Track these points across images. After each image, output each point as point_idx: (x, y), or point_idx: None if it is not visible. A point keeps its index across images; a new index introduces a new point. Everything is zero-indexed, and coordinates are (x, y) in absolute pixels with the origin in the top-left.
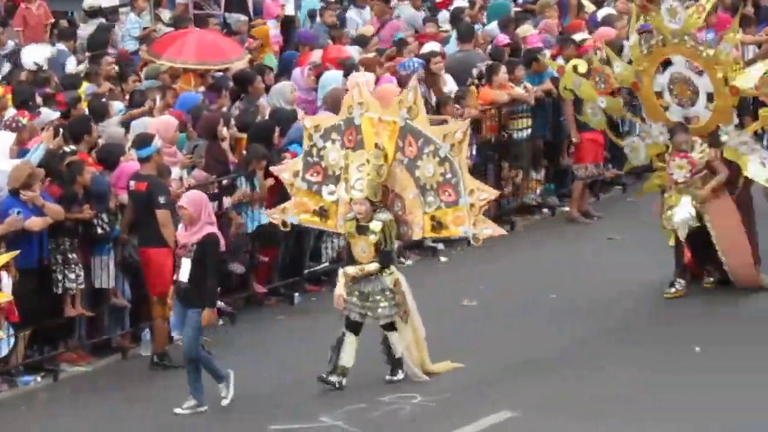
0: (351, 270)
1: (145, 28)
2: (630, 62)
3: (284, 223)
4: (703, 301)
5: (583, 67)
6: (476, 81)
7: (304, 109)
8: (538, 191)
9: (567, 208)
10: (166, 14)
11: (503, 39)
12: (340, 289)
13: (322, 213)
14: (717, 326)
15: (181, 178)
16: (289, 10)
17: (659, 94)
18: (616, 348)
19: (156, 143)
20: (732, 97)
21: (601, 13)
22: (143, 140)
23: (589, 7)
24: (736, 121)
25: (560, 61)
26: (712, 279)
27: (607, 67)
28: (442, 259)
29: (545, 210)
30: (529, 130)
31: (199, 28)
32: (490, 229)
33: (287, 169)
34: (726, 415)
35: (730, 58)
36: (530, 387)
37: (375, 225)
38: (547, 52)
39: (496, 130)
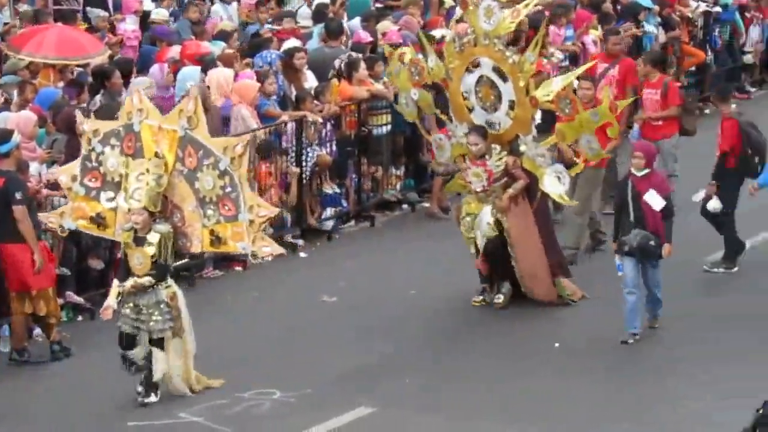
0: (126, 284)
1: (5, 24)
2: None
3: (62, 228)
4: None
5: (409, 55)
6: (337, 76)
7: (161, 106)
8: (398, 187)
9: (427, 204)
10: (25, 9)
11: (364, 35)
12: (110, 300)
13: (100, 220)
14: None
15: (39, 174)
16: (148, 5)
17: (466, 95)
18: (480, 339)
19: (15, 138)
20: (532, 107)
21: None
22: (2, 136)
23: (449, 3)
24: (534, 132)
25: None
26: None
27: (423, 60)
28: (302, 254)
29: (405, 206)
30: (389, 126)
31: (62, 23)
32: (269, 248)
33: (65, 172)
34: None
35: (533, 67)
36: (388, 383)
37: (152, 237)
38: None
39: (356, 125)
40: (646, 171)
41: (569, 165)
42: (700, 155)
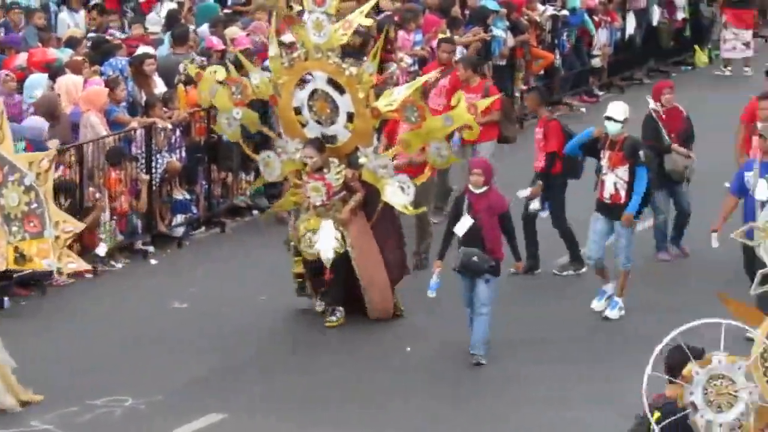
0: None
1: None
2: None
3: None
4: None
5: (221, 74)
6: (184, 83)
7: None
8: (247, 193)
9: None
10: None
11: (216, 41)
12: None
13: None
14: None
15: None
16: None
17: (298, 110)
18: (332, 346)
19: None
20: (373, 119)
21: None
22: None
23: (297, 8)
24: (376, 143)
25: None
26: (334, 318)
27: (245, 78)
28: (152, 261)
29: (255, 212)
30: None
31: None
32: (75, 264)
33: None
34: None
35: (372, 78)
36: (239, 389)
37: None
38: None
39: (205, 132)
40: (485, 189)
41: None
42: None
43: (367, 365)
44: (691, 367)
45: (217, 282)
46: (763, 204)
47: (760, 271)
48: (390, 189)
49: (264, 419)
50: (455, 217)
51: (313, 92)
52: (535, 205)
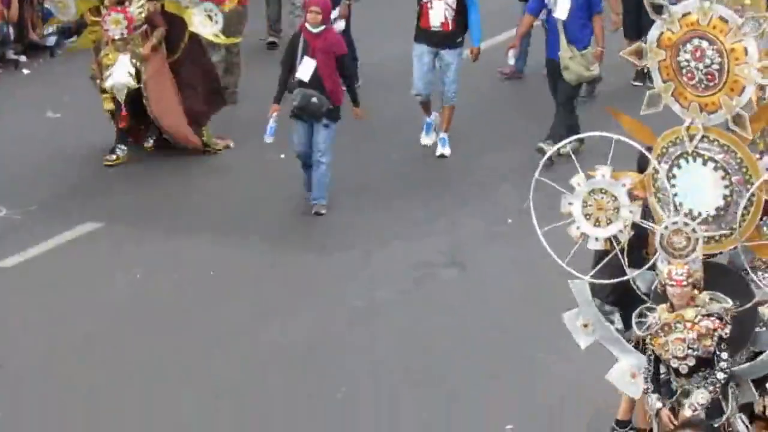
0: None
1: None
2: None
3: None
4: None
5: None
6: None
7: None
8: None
9: None
10: None
11: None
12: None
13: None
14: None
15: None
16: None
17: None
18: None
19: None
20: None
21: None
22: None
23: None
24: None
25: None
26: (151, 141)
27: None
28: (25, 71)
29: None
30: None
31: None
32: None
33: None
34: None
35: None
36: (113, 199)
37: None
38: None
39: None
40: (322, 28)
41: None
42: None
43: (231, 187)
44: (575, 179)
45: (90, 91)
46: (564, 23)
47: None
48: (197, 18)
49: (136, 229)
50: (290, 57)
51: None
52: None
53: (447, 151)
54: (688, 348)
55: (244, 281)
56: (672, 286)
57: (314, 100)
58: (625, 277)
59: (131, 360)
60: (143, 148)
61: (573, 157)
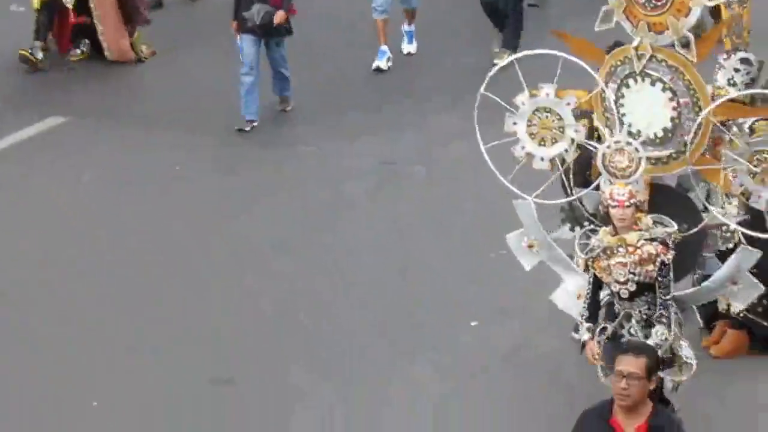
0: None
1: None
2: None
3: None
4: None
5: None
6: None
7: None
8: None
9: None
10: None
11: None
12: None
13: None
14: None
15: None
16: None
17: None
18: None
19: None
20: None
21: None
22: None
23: None
24: None
25: None
26: (79, 51)
27: None
28: None
29: None
30: None
31: None
32: None
33: None
34: None
35: None
36: (80, 94)
37: None
38: None
39: None
40: None
41: None
42: None
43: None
44: (520, 97)
45: None
46: None
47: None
48: None
49: (104, 125)
50: None
51: None
52: None
53: (413, 47)
54: (630, 273)
55: (210, 176)
56: (614, 207)
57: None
58: (571, 198)
59: (96, 253)
60: (66, 58)
61: (520, 75)
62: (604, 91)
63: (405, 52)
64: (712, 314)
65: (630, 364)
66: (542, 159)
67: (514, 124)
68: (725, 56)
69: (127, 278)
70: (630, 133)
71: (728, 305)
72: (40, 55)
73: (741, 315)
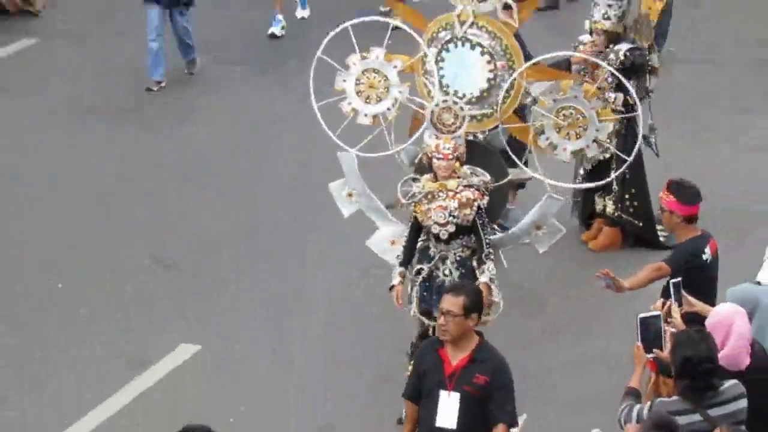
0: None
1: None
2: None
3: None
4: None
5: None
6: None
7: None
8: None
9: None
10: None
11: None
12: None
13: None
14: None
15: None
16: None
17: None
18: None
19: None
20: None
21: None
22: None
23: None
24: None
25: None
26: None
27: None
28: None
29: None
30: None
31: None
32: None
33: None
34: None
35: None
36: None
37: None
38: None
39: None
40: None
41: None
42: None
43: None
44: (351, 58)
45: None
46: None
47: None
48: None
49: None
50: None
51: None
52: None
53: (306, 13)
54: (450, 215)
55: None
56: (439, 159)
57: None
58: (389, 152)
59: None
60: None
61: (352, 37)
62: (426, 55)
63: (299, 17)
64: (589, 213)
65: (448, 302)
66: (366, 115)
67: (344, 81)
68: None
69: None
70: (446, 93)
71: (604, 206)
72: None
73: (615, 215)
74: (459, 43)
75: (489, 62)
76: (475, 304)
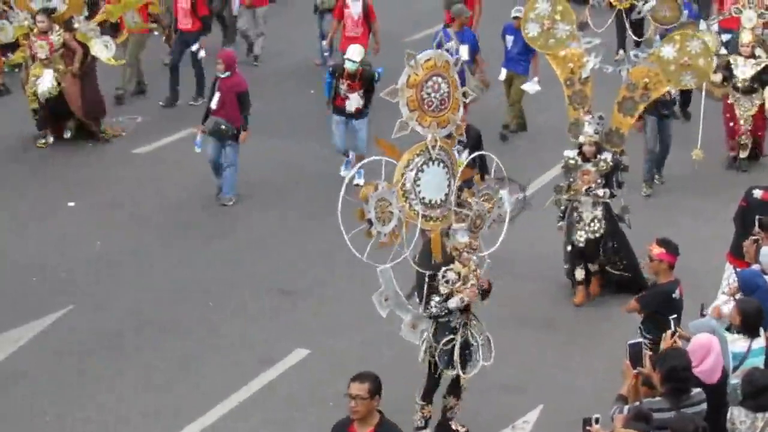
0: None
1: None
2: None
3: None
4: None
5: None
6: None
7: None
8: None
9: None
10: None
11: None
12: None
13: None
14: None
15: None
16: None
17: None
18: None
19: None
20: None
21: None
22: None
23: None
24: (86, 13)
25: None
26: (69, 133)
27: None
28: None
29: None
30: None
31: None
32: None
33: None
34: None
35: None
36: (47, 176)
37: None
38: None
39: None
40: (228, 74)
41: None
42: None
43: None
44: (365, 190)
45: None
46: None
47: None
48: (97, 46)
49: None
50: (209, 95)
51: None
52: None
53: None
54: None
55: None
56: (470, 252)
57: (222, 127)
58: (403, 256)
59: None
60: (62, 138)
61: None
62: (404, 177)
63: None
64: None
65: (356, 388)
66: (384, 234)
67: (369, 212)
68: (590, 115)
69: None
70: (424, 204)
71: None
72: (46, 138)
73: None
74: (432, 163)
75: (447, 172)
76: (377, 388)
